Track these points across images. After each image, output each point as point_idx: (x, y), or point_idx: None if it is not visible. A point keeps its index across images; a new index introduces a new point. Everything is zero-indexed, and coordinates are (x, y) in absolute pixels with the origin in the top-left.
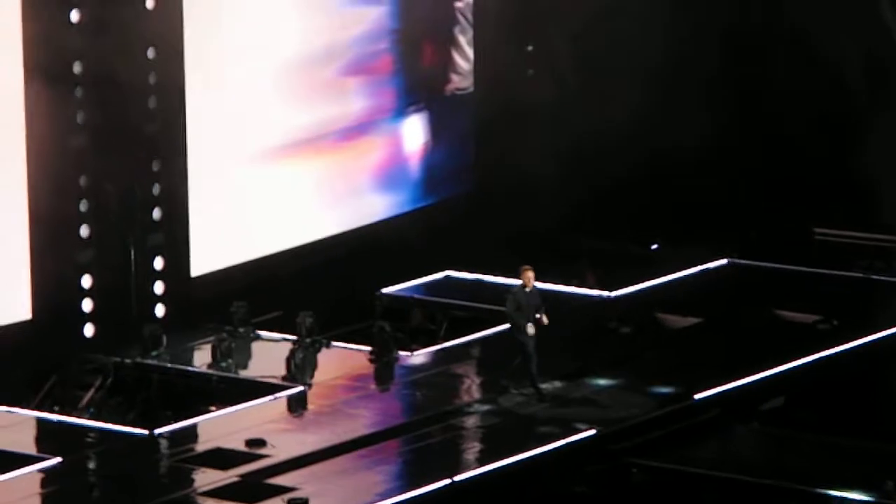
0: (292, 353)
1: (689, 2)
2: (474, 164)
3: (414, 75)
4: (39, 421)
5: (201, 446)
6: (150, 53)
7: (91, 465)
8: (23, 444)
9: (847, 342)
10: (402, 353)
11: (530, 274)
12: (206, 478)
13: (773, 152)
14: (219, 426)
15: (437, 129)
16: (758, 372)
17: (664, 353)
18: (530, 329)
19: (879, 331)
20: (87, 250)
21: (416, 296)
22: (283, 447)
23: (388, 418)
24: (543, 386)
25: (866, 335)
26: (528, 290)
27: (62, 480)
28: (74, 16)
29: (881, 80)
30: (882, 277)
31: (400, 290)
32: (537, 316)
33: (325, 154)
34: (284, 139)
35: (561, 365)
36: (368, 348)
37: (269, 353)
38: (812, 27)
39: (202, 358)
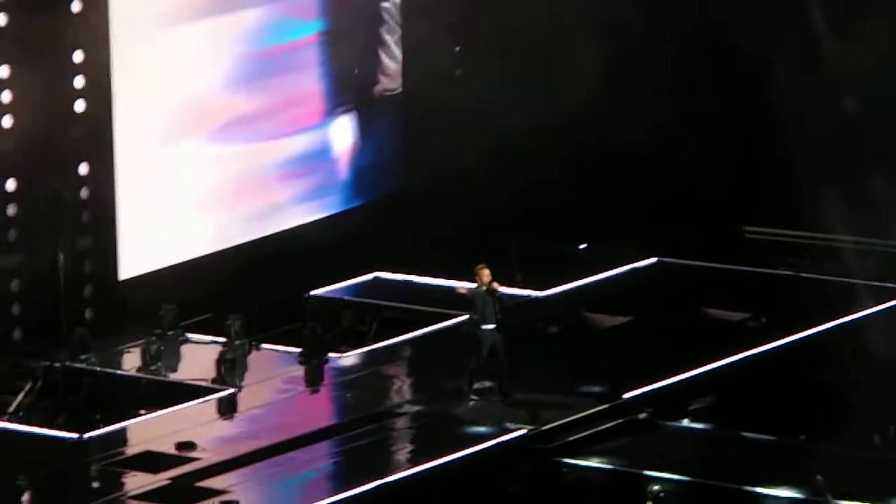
0: (222, 355)
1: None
2: (403, 165)
3: (342, 77)
4: None
5: (131, 450)
6: (77, 57)
7: (21, 470)
8: None
9: (776, 340)
10: (331, 354)
11: (484, 273)
12: (137, 481)
13: (703, 151)
14: (149, 429)
15: (365, 131)
16: (687, 370)
17: (594, 352)
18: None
19: (808, 328)
20: (15, 255)
21: (345, 297)
22: (213, 450)
23: (319, 420)
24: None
25: (795, 333)
26: (483, 289)
27: None
28: (0, 20)
29: (809, 81)
30: (810, 275)
31: (329, 292)
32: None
33: (252, 156)
34: (213, 142)
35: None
36: (298, 350)
37: (198, 356)
38: (742, 28)
39: (132, 361)
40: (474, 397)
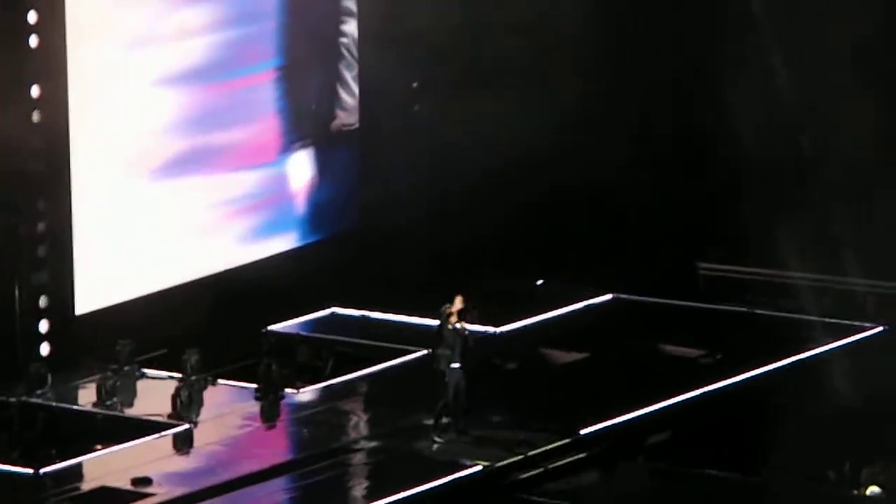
0: (178, 390)
1: (581, 40)
2: (360, 201)
3: (298, 112)
4: None
5: (87, 485)
6: (34, 92)
7: None
8: None
9: (731, 377)
10: (288, 390)
11: (452, 310)
12: None
13: (657, 188)
14: (105, 465)
15: (322, 166)
16: (643, 407)
17: (550, 388)
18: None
19: (763, 365)
20: None
21: (302, 333)
22: (169, 485)
23: (276, 456)
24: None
25: (750, 369)
26: (449, 327)
27: None
28: None
29: (767, 117)
30: (765, 312)
31: (286, 328)
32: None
33: (209, 191)
34: (169, 177)
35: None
36: (255, 385)
37: (154, 392)
38: (702, 67)
39: (87, 396)
40: (439, 439)
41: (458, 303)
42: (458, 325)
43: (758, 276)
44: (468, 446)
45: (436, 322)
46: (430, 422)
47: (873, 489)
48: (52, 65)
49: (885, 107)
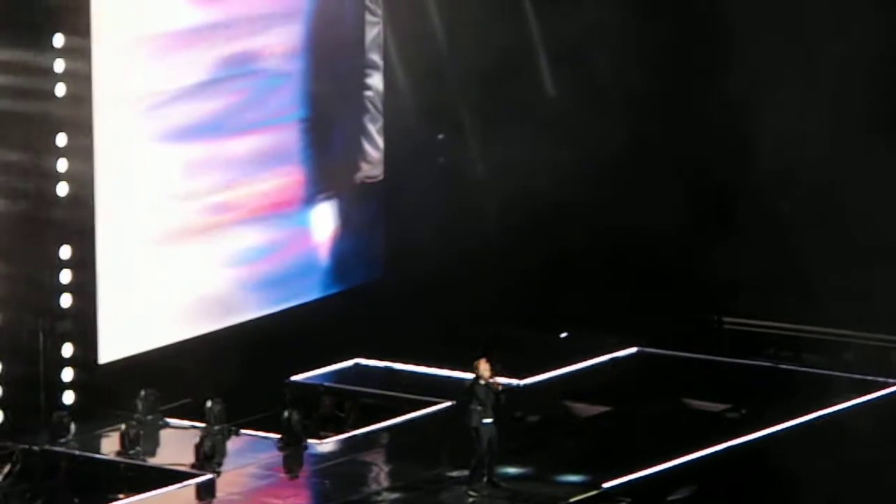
0: (201, 440)
1: (608, 87)
2: (384, 252)
3: (323, 163)
4: None
5: None
6: (61, 140)
7: None
8: None
9: (755, 431)
10: (311, 440)
11: (485, 366)
12: None
13: (682, 241)
14: None
15: (346, 217)
16: (667, 461)
17: (573, 441)
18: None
19: (787, 420)
20: None
21: (325, 383)
22: None
23: None
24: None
25: (774, 424)
26: (482, 382)
27: None
28: None
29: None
30: (789, 366)
31: (309, 378)
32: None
33: (233, 241)
34: (194, 226)
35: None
36: (277, 436)
37: (177, 441)
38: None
39: (110, 445)
40: (473, 494)
41: (484, 368)
42: (490, 381)
43: (782, 330)
44: (495, 500)
45: (461, 374)
46: (454, 473)
47: None
48: (78, 112)
49: None
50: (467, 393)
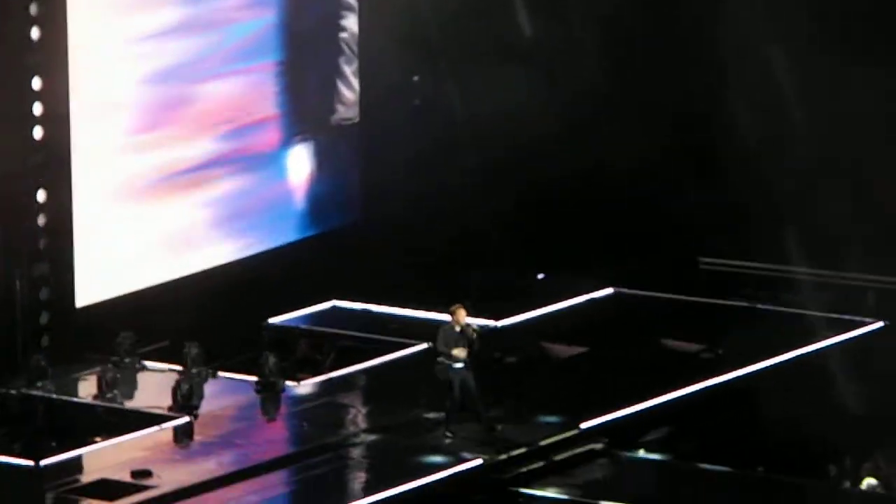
0: (178, 383)
1: (586, 29)
2: (360, 195)
3: (298, 106)
4: None
5: (87, 477)
6: (36, 84)
7: None
8: None
9: (731, 371)
10: (288, 383)
11: (462, 312)
12: None
13: (659, 182)
14: (105, 457)
15: (322, 159)
16: (644, 401)
17: (550, 382)
18: (460, 354)
19: (763, 360)
20: None
21: (302, 326)
22: (169, 478)
23: (275, 449)
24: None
25: (750, 364)
26: (457, 328)
27: None
28: None
29: (768, 114)
30: (766, 307)
31: (286, 321)
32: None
33: (211, 185)
34: (171, 170)
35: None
36: (255, 378)
37: (155, 384)
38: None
39: (88, 388)
40: (449, 435)
41: (462, 314)
42: (467, 328)
43: (759, 270)
44: (468, 441)
45: (439, 316)
46: (431, 415)
47: (870, 481)
48: (53, 57)
49: (887, 98)
50: (440, 342)
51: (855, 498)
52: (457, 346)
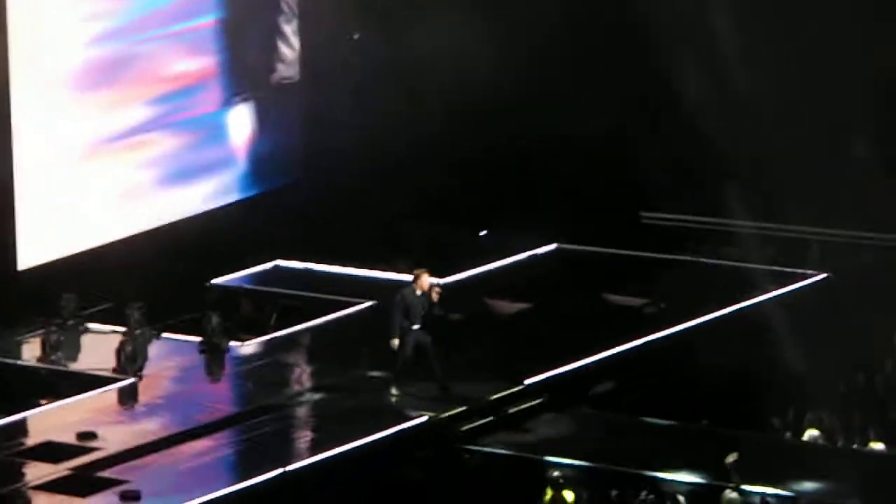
0: (122, 344)
1: None
2: (303, 153)
3: (238, 66)
4: None
5: (32, 440)
6: None
7: None
8: None
9: (675, 325)
10: (232, 343)
11: (425, 278)
12: (38, 471)
13: (600, 137)
14: (49, 419)
15: (263, 119)
16: (587, 356)
17: (494, 338)
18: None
19: (706, 313)
20: None
21: (245, 286)
22: (114, 439)
23: (220, 409)
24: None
25: (693, 318)
26: (418, 293)
27: None
28: None
29: (709, 64)
30: (708, 260)
31: (229, 281)
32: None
33: (152, 146)
34: (111, 131)
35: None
36: (198, 339)
37: (98, 346)
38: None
39: (31, 351)
40: (395, 394)
41: (426, 279)
42: (431, 290)
43: (701, 224)
44: (413, 398)
45: (380, 274)
46: (375, 374)
47: (812, 433)
48: None
49: (822, 50)
50: (397, 304)
51: (798, 449)
52: (416, 310)
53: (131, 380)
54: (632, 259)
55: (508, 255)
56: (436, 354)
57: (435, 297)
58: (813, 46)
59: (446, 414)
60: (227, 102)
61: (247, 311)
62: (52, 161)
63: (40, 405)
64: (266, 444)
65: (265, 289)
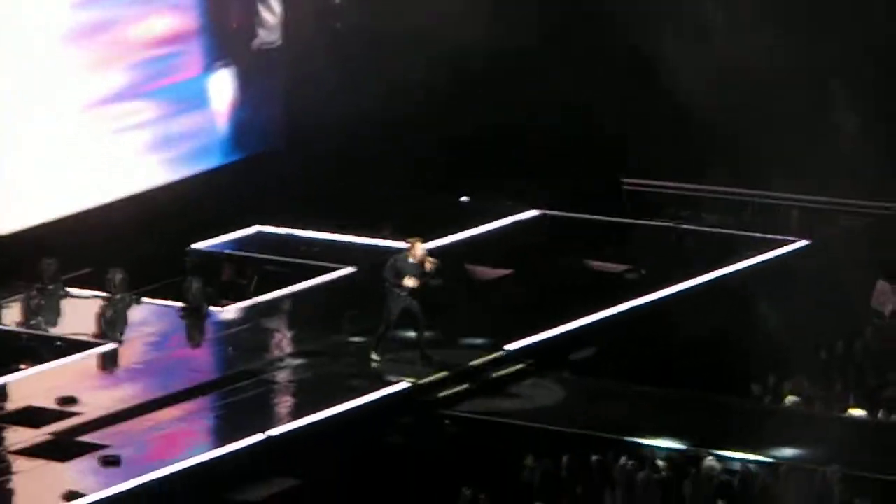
0: (103, 309)
1: None
2: (285, 119)
3: (219, 31)
4: None
5: (13, 405)
6: None
7: None
8: None
9: (655, 291)
10: (212, 308)
11: (420, 247)
12: (18, 436)
13: (583, 105)
14: (30, 384)
15: (244, 85)
16: (568, 322)
17: (475, 305)
18: (408, 283)
19: (687, 279)
20: None
21: (226, 251)
22: (95, 404)
23: (200, 374)
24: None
25: (674, 284)
26: (411, 260)
27: None
28: None
29: (690, 32)
30: (689, 226)
31: (210, 246)
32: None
33: (133, 111)
34: (92, 97)
35: (371, 320)
36: (179, 304)
37: (79, 311)
38: None
39: (12, 316)
40: (375, 359)
41: (420, 248)
42: (425, 261)
43: (683, 190)
44: (395, 364)
45: (362, 240)
46: (356, 339)
47: (791, 398)
48: None
49: (803, 16)
50: (388, 268)
51: (777, 415)
52: (407, 275)
53: (112, 345)
54: (613, 225)
55: (490, 222)
56: (424, 323)
57: (429, 266)
58: (793, 12)
59: (427, 380)
60: (209, 68)
61: (227, 277)
62: (32, 128)
63: (21, 370)
64: (246, 409)
65: (246, 254)
